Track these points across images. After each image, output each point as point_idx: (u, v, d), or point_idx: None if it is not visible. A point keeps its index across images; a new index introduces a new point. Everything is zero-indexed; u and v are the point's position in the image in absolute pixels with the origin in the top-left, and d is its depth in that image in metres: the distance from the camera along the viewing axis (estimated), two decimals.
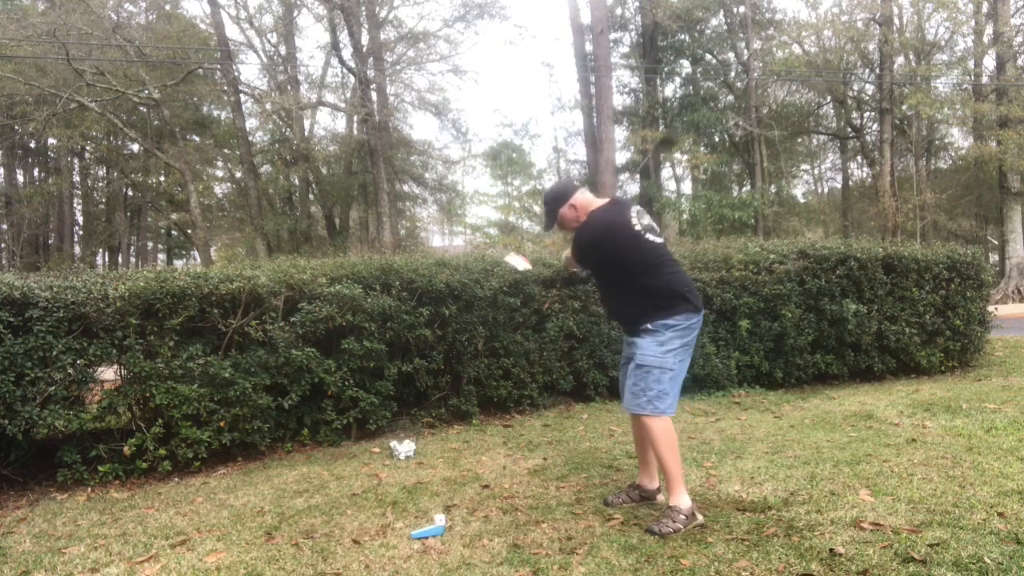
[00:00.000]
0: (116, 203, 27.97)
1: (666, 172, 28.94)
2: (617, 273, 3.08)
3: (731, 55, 25.18)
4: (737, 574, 2.43)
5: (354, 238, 22.29)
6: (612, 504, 3.19)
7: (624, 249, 3.00)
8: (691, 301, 3.04)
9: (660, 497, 3.21)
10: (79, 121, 19.87)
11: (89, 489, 3.95)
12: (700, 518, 2.92)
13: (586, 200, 3.11)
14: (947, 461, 3.65)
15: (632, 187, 28.05)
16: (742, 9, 23.03)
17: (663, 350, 2.99)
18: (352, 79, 20.62)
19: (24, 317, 3.86)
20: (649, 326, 3.01)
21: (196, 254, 24.58)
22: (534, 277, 5.68)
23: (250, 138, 21.95)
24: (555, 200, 3.13)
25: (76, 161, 27.74)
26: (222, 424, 4.26)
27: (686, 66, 25.37)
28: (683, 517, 2.85)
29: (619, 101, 25.33)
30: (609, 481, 3.59)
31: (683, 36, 23.77)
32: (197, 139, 23.94)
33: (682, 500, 2.92)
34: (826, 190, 34.31)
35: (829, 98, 26.52)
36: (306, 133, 22.27)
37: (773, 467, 3.69)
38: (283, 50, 22.74)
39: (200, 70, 20.20)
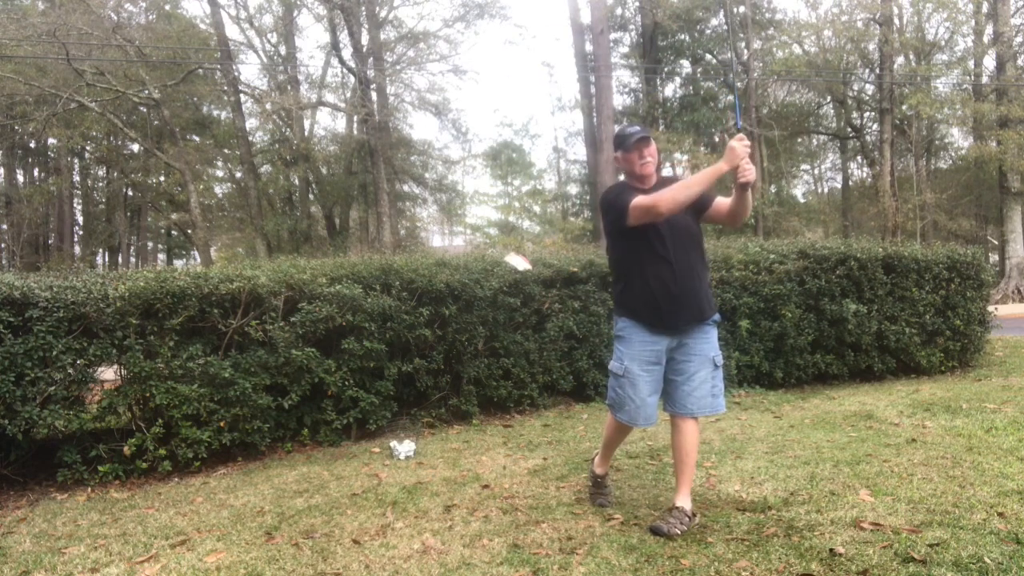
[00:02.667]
0: (116, 203, 27.95)
1: (666, 172, 28.92)
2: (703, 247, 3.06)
3: (731, 55, 25.17)
4: (737, 574, 2.43)
5: (354, 238, 22.28)
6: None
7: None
8: None
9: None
10: (79, 121, 19.85)
11: (89, 489, 3.95)
12: (697, 517, 2.93)
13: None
14: (947, 461, 3.65)
15: None
16: (742, 9, 23.03)
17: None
18: (352, 79, 20.61)
19: (24, 317, 3.87)
20: (717, 316, 3.02)
21: (196, 254, 24.58)
22: (534, 277, 5.68)
23: (250, 138, 21.95)
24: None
25: (76, 161, 27.72)
26: (222, 424, 4.26)
27: (686, 66, 25.38)
28: (687, 519, 2.85)
29: (619, 101, 25.34)
30: (610, 481, 3.58)
31: (683, 36, 23.78)
32: (197, 139, 23.92)
33: (689, 501, 2.94)
34: (826, 190, 34.32)
35: (829, 98, 26.52)
36: (306, 133, 22.27)
37: (773, 467, 3.69)
38: (283, 50, 22.74)
39: (200, 70, 20.18)
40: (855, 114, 26.61)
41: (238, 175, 23.33)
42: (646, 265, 2.91)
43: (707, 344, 2.97)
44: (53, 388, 3.87)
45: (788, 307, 6.29)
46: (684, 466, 2.96)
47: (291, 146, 20.96)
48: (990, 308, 7.38)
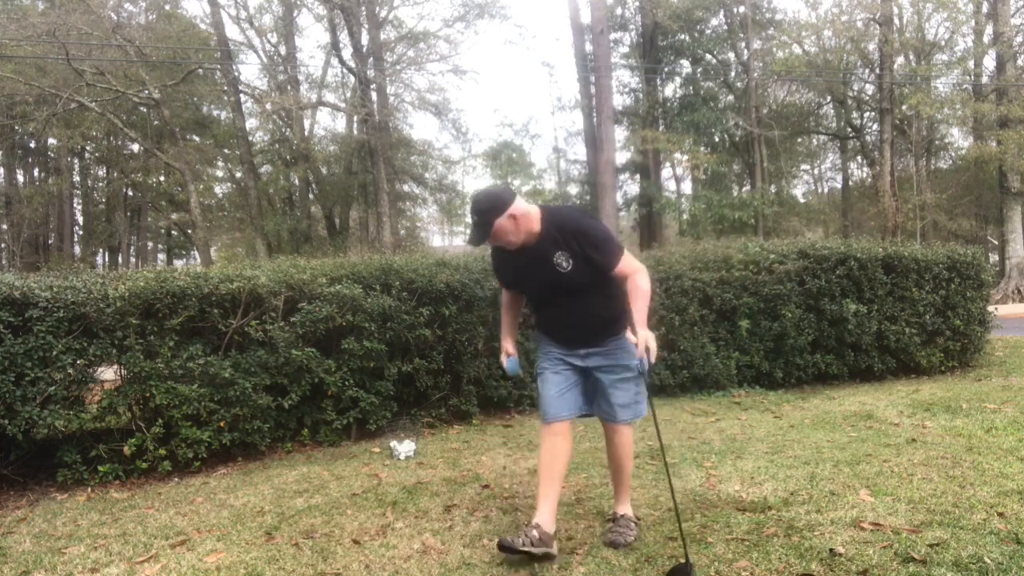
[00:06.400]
0: (116, 203, 27.94)
1: (666, 172, 28.98)
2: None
3: (731, 55, 25.19)
4: (737, 574, 2.43)
5: (354, 238, 22.27)
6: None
7: None
8: None
9: (555, 546, 2.85)
10: (79, 121, 19.85)
11: (89, 489, 3.95)
12: (639, 523, 2.92)
13: (526, 209, 2.63)
14: (947, 461, 3.65)
15: (632, 187, 28.11)
16: (742, 9, 23.02)
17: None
18: (352, 79, 20.62)
19: (24, 317, 3.86)
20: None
21: (196, 254, 24.58)
22: None
23: (250, 138, 21.94)
24: (491, 210, 2.56)
25: (76, 161, 27.71)
26: (222, 424, 4.26)
27: (686, 66, 25.38)
28: (634, 524, 2.85)
29: (619, 101, 25.37)
30: (609, 481, 3.58)
31: (683, 36, 23.78)
32: (197, 139, 23.91)
33: (631, 510, 2.93)
34: (826, 190, 34.33)
35: (829, 98, 26.52)
36: (306, 133, 22.26)
37: (773, 467, 3.69)
38: (283, 50, 22.73)
39: (200, 70, 20.18)
40: (855, 114, 26.61)
41: (238, 175, 23.32)
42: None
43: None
44: (53, 388, 3.87)
45: (788, 307, 6.29)
46: (616, 473, 2.94)
47: (291, 146, 20.97)
48: (990, 308, 7.38)
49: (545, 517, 2.65)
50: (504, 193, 2.65)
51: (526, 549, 2.49)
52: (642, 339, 2.53)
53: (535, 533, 2.57)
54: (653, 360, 2.58)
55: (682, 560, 2.52)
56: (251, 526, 3.15)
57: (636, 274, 2.65)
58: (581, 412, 2.92)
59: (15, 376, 3.78)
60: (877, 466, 3.61)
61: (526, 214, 2.62)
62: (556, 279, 2.67)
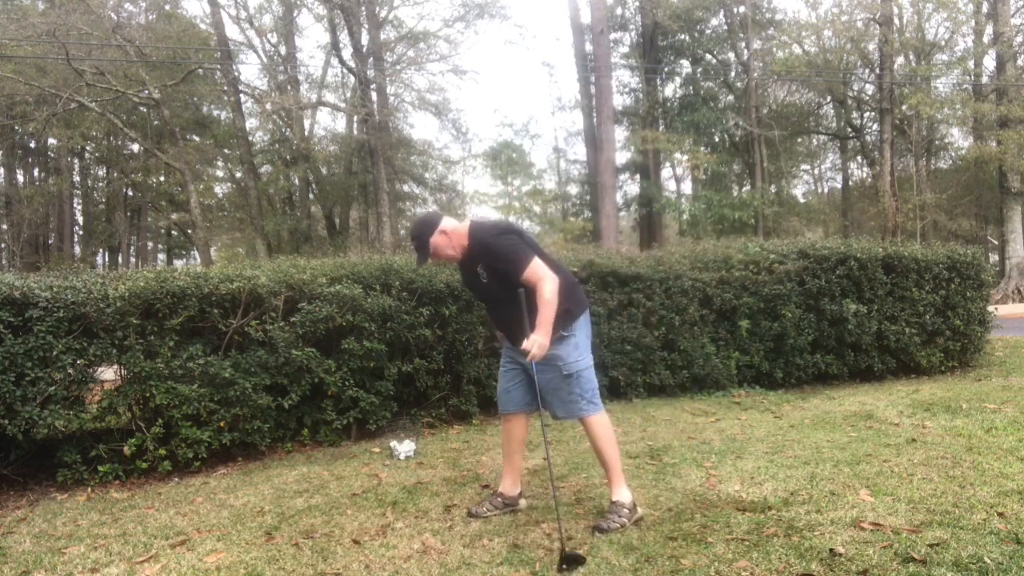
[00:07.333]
0: (116, 203, 27.93)
1: (666, 172, 29.00)
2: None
3: (731, 55, 25.20)
4: (737, 574, 2.43)
5: (354, 238, 22.28)
6: (478, 515, 3.13)
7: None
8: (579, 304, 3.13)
9: (523, 502, 3.25)
10: (79, 121, 19.84)
11: (89, 489, 3.95)
12: (640, 511, 2.98)
13: (455, 225, 3.00)
14: (947, 461, 3.65)
15: (632, 187, 28.11)
16: (742, 9, 23.03)
17: (579, 351, 3.02)
18: (352, 79, 20.62)
19: (24, 317, 3.86)
20: (563, 332, 2.96)
21: (196, 254, 24.59)
22: None
23: (250, 138, 21.93)
24: (424, 232, 2.97)
25: (76, 161, 27.70)
26: (222, 424, 4.26)
27: (686, 66, 25.38)
28: (627, 511, 2.91)
29: (619, 101, 25.39)
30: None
31: (683, 36, 23.79)
32: (197, 139, 23.90)
33: (624, 494, 3.00)
34: (826, 190, 34.32)
35: (829, 98, 26.52)
36: (306, 133, 22.25)
37: (773, 467, 3.69)
38: (283, 50, 22.72)
39: (200, 70, 20.18)
40: (855, 114, 26.61)
41: (238, 175, 23.32)
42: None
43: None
44: (53, 388, 3.87)
45: (788, 307, 6.29)
46: (600, 463, 3.11)
47: (291, 146, 20.96)
48: (990, 308, 7.38)
49: (507, 485, 3.21)
50: (432, 216, 3.12)
51: (492, 514, 3.12)
52: (529, 341, 2.79)
53: (499, 500, 3.18)
54: (526, 360, 2.84)
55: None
56: (251, 526, 3.15)
57: (541, 282, 2.86)
58: (527, 408, 3.25)
59: (15, 376, 3.78)
60: (877, 466, 3.61)
61: (455, 229, 3.00)
62: (481, 288, 3.07)
